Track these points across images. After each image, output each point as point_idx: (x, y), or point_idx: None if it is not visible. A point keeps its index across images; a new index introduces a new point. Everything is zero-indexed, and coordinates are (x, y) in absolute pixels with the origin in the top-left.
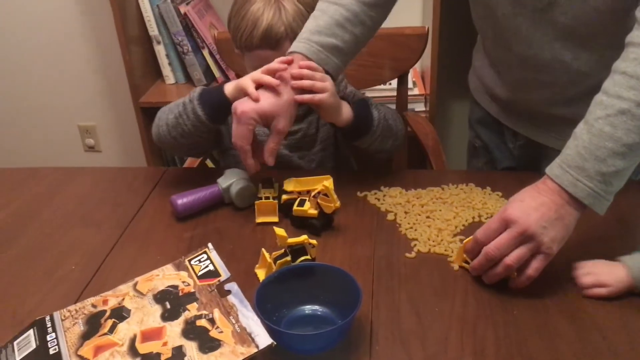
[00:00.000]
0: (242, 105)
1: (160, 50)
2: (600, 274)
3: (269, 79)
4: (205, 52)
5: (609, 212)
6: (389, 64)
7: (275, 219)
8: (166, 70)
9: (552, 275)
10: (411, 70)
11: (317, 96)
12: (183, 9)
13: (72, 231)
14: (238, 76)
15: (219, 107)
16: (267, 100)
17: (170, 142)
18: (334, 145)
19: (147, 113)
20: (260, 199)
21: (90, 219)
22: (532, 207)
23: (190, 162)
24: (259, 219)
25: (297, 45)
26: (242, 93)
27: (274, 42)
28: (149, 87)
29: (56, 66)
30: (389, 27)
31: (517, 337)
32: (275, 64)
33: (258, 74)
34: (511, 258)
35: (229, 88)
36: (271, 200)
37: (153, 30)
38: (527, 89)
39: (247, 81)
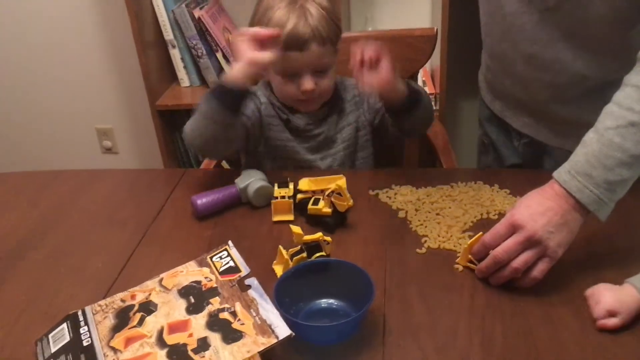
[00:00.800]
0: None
1: (175, 54)
2: (609, 302)
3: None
4: (219, 55)
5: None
6: (399, 64)
7: (291, 217)
8: (181, 74)
9: (557, 270)
10: (421, 70)
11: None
12: (197, 13)
13: (97, 231)
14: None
15: (222, 91)
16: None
17: (199, 142)
18: (355, 145)
19: (164, 115)
20: (276, 198)
21: (115, 219)
22: (539, 212)
23: (207, 163)
24: (276, 218)
25: None
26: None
27: (301, 43)
28: (165, 90)
29: (74, 70)
30: (398, 29)
31: (523, 328)
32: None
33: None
34: (518, 262)
35: (229, 76)
36: (287, 199)
37: (168, 34)
38: (529, 87)
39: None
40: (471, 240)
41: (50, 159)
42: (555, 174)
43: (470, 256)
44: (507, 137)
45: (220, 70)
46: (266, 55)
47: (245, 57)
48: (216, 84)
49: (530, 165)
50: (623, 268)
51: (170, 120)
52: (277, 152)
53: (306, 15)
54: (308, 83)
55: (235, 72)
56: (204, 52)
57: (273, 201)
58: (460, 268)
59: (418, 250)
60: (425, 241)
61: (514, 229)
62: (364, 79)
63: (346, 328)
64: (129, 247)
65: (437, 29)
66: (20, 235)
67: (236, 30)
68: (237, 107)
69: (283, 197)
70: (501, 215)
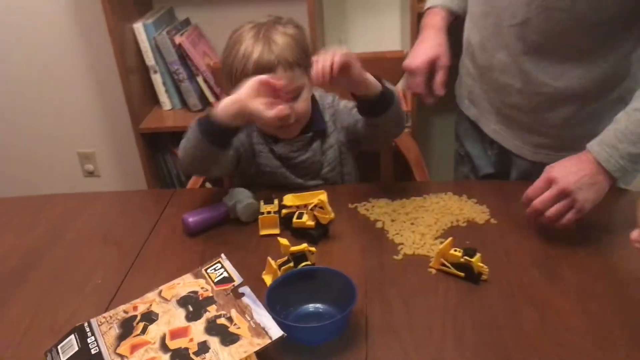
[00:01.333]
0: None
1: (157, 79)
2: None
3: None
4: (200, 79)
5: None
6: None
7: (277, 231)
8: (163, 97)
9: (520, 268)
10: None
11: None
12: (178, 39)
13: (94, 250)
14: None
15: (210, 125)
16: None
17: (190, 164)
18: (340, 164)
19: (147, 138)
20: (263, 214)
21: (109, 238)
22: (573, 171)
23: (193, 184)
24: (263, 232)
25: None
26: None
27: (268, 70)
28: (147, 113)
29: (56, 95)
30: (372, 52)
31: (490, 323)
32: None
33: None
34: (551, 212)
35: (216, 109)
36: (273, 214)
37: (150, 60)
38: (502, 93)
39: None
40: (442, 245)
41: (32, 182)
42: (588, 145)
43: (442, 259)
44: (482, 147)
45: (201, 93)
46: (259, 108)
47: (239, 95)
48: (204, 118)
49: (503, 175)
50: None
51: (153, 143)
52: (268, 177)
53: (270, 43)
54: (285, 109)
55: (224, 107)
56: (185, 76)
57: (260, 217)
58: (434, 271)
59: (395, 256)
60: (401, 248)
61: (550, 183)
62: (321, 79)
63: (332, 328)
64: (126, 264)
65: (406, 52)
66: (19, 256)
67: (216, 55)
68: (222, 143)
69: (269, 212)
70: (470, 222)
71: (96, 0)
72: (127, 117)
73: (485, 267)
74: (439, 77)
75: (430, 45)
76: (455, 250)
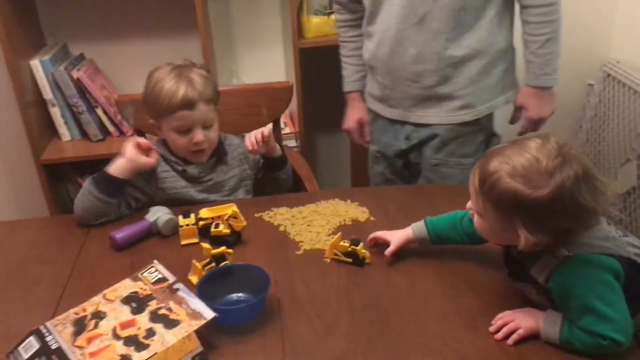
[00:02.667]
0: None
1: (55, 112)
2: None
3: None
4: (99, 111)
5: None
6: (265, 111)
7: (196, 240)
8: (62, 129)
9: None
10: (282, 115)
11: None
12: (75, 74)
13: (30, 269)
14: (136, 131)
15: (104, 180)
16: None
17: (87, 218)
18: (237, 190)
19: (49, 169)
20: (182, 226)
21: (43, 258)
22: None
23: None
24: (184, 242)
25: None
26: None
27: (191, 104)
28: (47, 145)
29: None
30: (262, 82)
31: (373, 293)
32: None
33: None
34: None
35: (111, 167)
36: (191, 226)
37: (47, 94)
38: (419, 79)
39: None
40: (333, 240)
41: None
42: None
43: (334, 250)
44: (394, 140)
45: (100, 124)
46: (150, 161)
47: (130, 156)
48: (99, 177)
49: (415, 158)
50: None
51: (54, 173)
52: (172, 197)
53: (192, 82)
54: (199, 135)
55: (118, 166)
56: (85, 108)
57: (180, 229)
58: (328, 261)
59: (297, 252)
60: (301, 245)
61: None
62: (255, 148)
63: (254, 308)
64: (63, 278)
65: (292, 82)
66: None
67: (113, 87)
68: (115, 193)
69: (188, 225)
70: (355, 221)
71: None
72: (25, 149)
73: (368, 252)
74: (366, 129)
75: (354, 111)
76: (344, 242)
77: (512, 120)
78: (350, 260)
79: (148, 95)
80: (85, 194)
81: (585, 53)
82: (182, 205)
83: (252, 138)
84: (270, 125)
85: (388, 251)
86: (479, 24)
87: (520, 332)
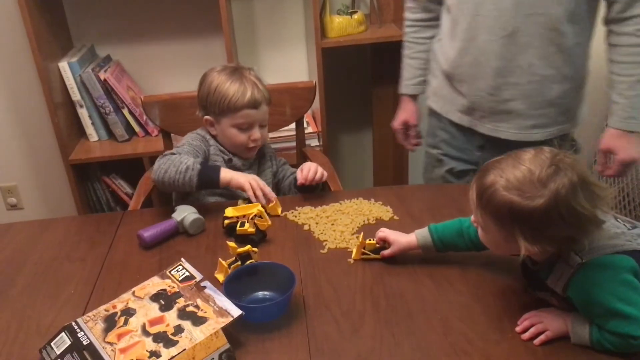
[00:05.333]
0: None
1: (83, 113)
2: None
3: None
4: (125, 111)
5: None
6: (288, 111)
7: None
8: (90, 130)
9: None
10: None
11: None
12: (102, 75)
13: (61, 267)
14: (161, 131)
15: (208, 184)
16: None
17: (164, 186)
18: (271, 185)
19: (77, 169)
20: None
21: (73, 257)
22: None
23: (134, 205)
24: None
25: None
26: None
27: (257, 104)
28: (75, 145)
29: None
30: (286, 82)
31: (398, 291)
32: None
33: (254, 184)
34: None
35: (224, 177)
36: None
37: (76, 96)
38: (497, 92)
39: (246, 184)
40: (360, 240)
41: None
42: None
43: (362, 249)
44: (465, 146)
45: (127, 124)
46: (262, 201)
47: (253, 187)
48: (206, 173)
49: None
50: None
51: (82, 173)
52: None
53: (256, 84)
54: (257, 133)
55: (233, 179)
56: (112, 109)
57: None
58: (352, 261)
59: (321, 250)
60: (326, 244)
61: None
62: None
63: (279, 306)
64: (93, 276)
65: (315, 82)
66: None
67: (138, 88)
68: (202, 188)
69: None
70: (378, 220)
71: (23, 41)
72: (53, 150)
73: None
74: (411, 132)
75: (403, 112)
76: (370, 240)
77: (600, 167)
78: (379, 256)
79: (209, 94)
80: (183, 170)
81: None
82: (224, 196)
83: (307, 174)
84: (325, 173)
85: (385, 253)
86: (569, 47)
87: (548, 334)
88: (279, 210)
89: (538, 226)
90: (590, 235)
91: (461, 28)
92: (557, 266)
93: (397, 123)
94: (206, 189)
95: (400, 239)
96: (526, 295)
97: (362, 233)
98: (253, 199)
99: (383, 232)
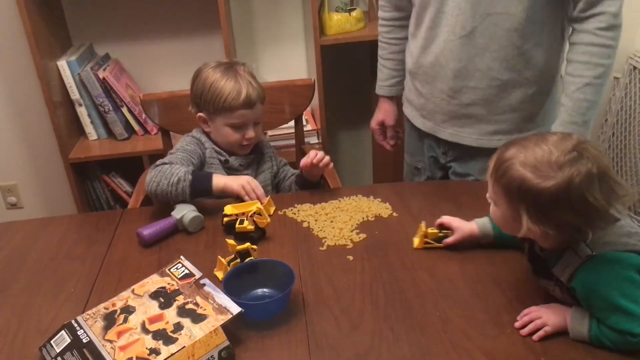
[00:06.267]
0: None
1: (82, 112)
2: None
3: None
4: (125, 110)
5: None
6: (287, 108)
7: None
8: (89, 128)
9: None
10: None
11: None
12: (102, 74)
13: (60, 266)
14: (160, 129)
15: (201, 193)
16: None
17: (157, 198)
18: (271, 184)
19: (76, 168)
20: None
21: (74, 254)
22: None
23: (133, 203)
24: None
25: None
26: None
27: (252, 103)
28: (74, 144)
29: None
30: (285, 80)
31: (397, 289)
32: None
33: (247, 187)
34: None
35: (217, 185)
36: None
37: (74, 94)
38: (456, 95)
39: (241, 191)
40: (420, 230)
41: None
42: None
43: (425, 239)
44: (434, 159)
45: (126, 122)
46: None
47: (247, 190)
48: (198, 181)
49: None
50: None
51: (81, 172)
52: None
53: (251, 83)
54: (251, 132)
55: (225, 186)
56: (111, 108)
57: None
58: (351, 258)
59: (320, 248)
60: (325, 241)
61: None
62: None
63: (278, 303)
64: (93, 274)
65: (314, 79)
66: None
67: (137, 87)
68: (196, 198)
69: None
70: (377, 217)
71: (22, 40)
72: (53, 149)
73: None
74: (388, 133)
75: (379, 112)
76: (431, 229)
77: None
78: (441, 245)
79: (203, 92)
80: (172, 184)
81: None
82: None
83: (311, 159)
84: (328, 158)
85: (448, 241)
86: (529, 49)
87: (547, 329)
88: (272, 210)
89: (544, 207)
90: (597, 230)
91: (425, 26)
92: (566, 255)
93: (374, 123)
94: (200, 197)
95: (464, 226)
96: (525, 291)
97: (423, 222)
98: (248, 201)
99: (445, 219)
